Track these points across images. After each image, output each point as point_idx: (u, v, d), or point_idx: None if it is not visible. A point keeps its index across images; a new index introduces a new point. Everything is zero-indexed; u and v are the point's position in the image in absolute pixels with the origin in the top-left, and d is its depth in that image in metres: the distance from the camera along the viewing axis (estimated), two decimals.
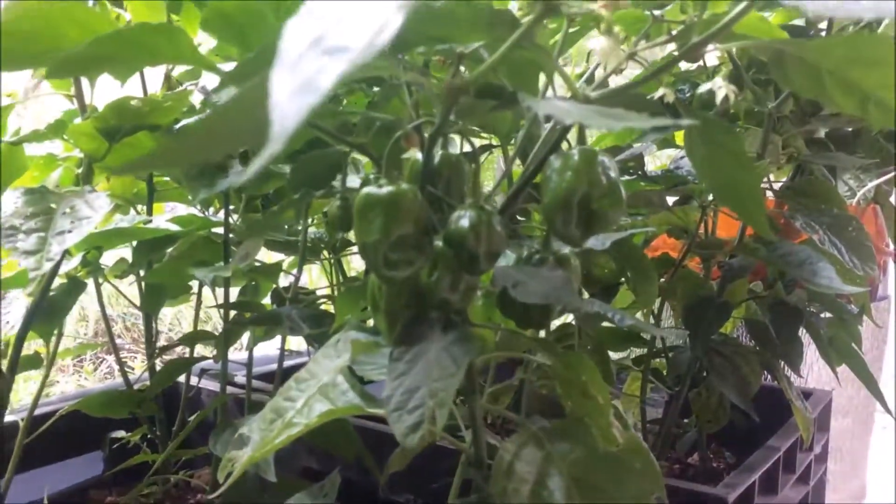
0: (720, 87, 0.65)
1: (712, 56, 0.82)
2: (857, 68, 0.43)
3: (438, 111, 0.46)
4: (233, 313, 0.95)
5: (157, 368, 1.00)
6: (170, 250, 0.92)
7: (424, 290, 0.50)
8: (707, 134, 0.54)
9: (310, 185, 0.68)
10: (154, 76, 0.93)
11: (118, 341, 2.21)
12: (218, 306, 0.93)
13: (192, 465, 1.05)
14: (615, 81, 0.54)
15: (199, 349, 1.08)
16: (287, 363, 1.03)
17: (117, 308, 2.37)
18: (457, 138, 0.62)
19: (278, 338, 0.99)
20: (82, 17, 0.46)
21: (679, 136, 0.99)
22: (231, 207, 0.90)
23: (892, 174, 0.97)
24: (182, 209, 1.01)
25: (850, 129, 0.99)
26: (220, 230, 0.90)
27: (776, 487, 0.90)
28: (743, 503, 0.79)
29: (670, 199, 0.95)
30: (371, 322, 0.55)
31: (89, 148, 0.80)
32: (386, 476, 0.73)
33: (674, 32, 0.49)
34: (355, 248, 0.90)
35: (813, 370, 1.45)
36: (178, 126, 0.79)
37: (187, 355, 1.04)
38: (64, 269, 0.83)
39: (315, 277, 1.82)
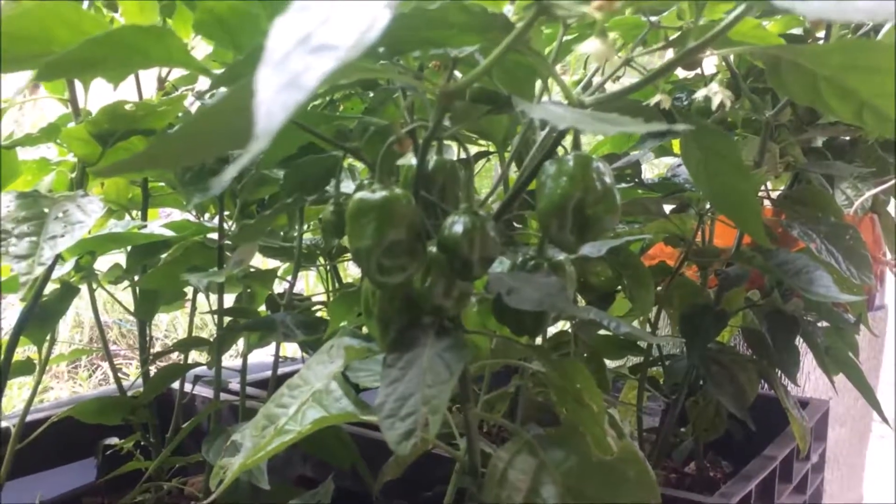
0: (715, 93, 0.65)
1: (710, 66, 0.82)
2: (854, 75, 0.43)
3: (432, 116, 0.46)
4: (228, 319, 0.94)
5: (152, 375, 0.99)
6: (164, 256, 0.91)
7: (418, 295, 0.49)
8: (703, 141, 0.54)
9: (303, 189, 0.68)
10: (149, 81, 0.93)
11: (113, 348, 2.20)
12: (212, 312, 0.92)
13: (185, 473, 1.04)
14: (612, 89, 0.53)
15: (194, 356, 1.08)
16: (282, 370, 1.03)
17: (113, 314, 2.36)
18: (454, 145, 0.62)
19: (273, 345, 0.98)
20: (74, 19, 0.46)
21: (676, 145, 0.99)
22: (226, 213, 0.90)
23: (890, 184, 0.96)
24: (178, 215, 1.00)
25: (847, 138, 0.99)
26: (215, 236, 0.90)
27: (773, 497, 0.89)
28: None
29: (667, 207, 0.95)
30: (366, 328, 0.55)
31: (83, 152, 0.80)
32: (380, 484, 0.72)
33: (671, 38, 0.49)
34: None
35: (810, 379, 1.44)
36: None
37: (182, 362, 1.03)
38: (57, 274, 0.83)
39: (312, 284, 1.82)
